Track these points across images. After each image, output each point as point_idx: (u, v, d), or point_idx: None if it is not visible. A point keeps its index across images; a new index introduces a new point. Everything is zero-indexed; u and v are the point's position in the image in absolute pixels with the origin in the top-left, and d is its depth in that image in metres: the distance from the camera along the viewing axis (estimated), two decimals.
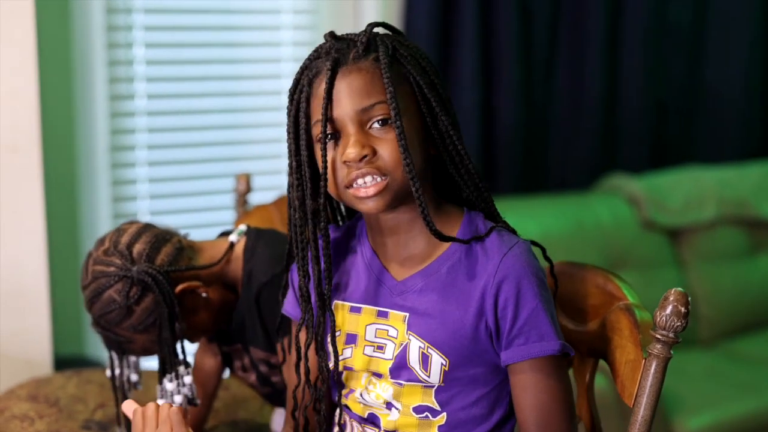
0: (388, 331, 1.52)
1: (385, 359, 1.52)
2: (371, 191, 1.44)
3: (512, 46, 3.57)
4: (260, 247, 1.81)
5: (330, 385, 1.59)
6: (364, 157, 1.43)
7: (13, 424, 2.01)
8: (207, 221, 3.34)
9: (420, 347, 1.49)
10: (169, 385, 1.75)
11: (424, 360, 1.48)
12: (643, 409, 1.48)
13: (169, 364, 1.75)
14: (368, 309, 1.54)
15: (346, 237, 1.61)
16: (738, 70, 4.12)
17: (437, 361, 1.48)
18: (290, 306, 1.64)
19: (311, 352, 1.57)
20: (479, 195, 1.52)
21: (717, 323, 3.63)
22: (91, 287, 1.75)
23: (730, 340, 3.64)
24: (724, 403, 3.18)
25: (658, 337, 1.45)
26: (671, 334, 1.45)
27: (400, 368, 1.50)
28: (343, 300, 1.57)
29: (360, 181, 1.44)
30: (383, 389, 1.53)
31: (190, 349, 1.87)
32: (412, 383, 1.50)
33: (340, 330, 1.56)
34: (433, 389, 1.50)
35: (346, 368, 1.56)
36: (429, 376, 1.49)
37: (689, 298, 1.45)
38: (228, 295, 1.85)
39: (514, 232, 1.52)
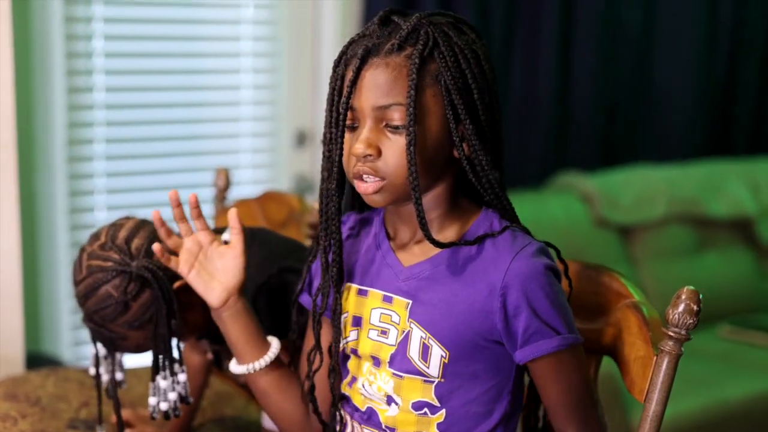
0: (391, 316, 1.51)
1: (389, 344, 1.51)
2: (370, 189, 1.44)
3: None
4: (255, 248, 1.79)
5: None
6: (368, 155, 1.43)
7: None
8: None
9: (421, 337, 1.47)
10: (163, 383, 1.72)
11: (425, 350, 1.47)
12: (655, 404, 1.50)
13: (165, 362, 1.72)
14: (374, 293, 1.54)
15: (369, 218, 1.61)
16: (684, 73, 4.21)
17: (437, 352, 1.47)
18: (304, 296, 1.65)
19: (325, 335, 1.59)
20: (499, 203, 1.50)
21: None
22: (86, 282, 1.72)
23: None
24: (678, 397, 3.20)
25: (671, 334, 1.48)
26: (683, 332, 1.48)
27: (400, 357, 1.49)
28: (352, 282, 1.57)
29: (364, 176, 1.44)
30: (384, 381, 1.52)
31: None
32: (412, 376, 1.49)
33: (347, 312, 1.56)
34: (433, 384, 1.49)
35: (352, 351, 1.56)
36: (428, 368, 1.48)
37: (701, 296, 1.48)
38: None
39: (528, 233, 1.50)
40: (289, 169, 3.58)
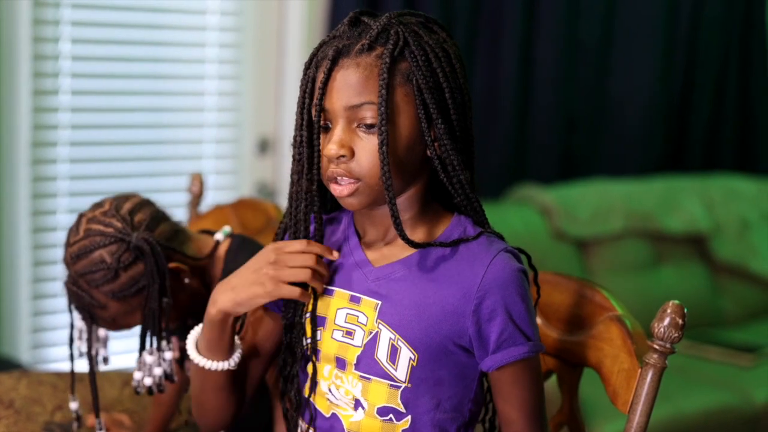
0: (358, 317, 1.50)
1: (355, 346, 1.49)
2: (345, 191, 1.44)
3: None
4: (244, 254, 1.80)
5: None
6: (342, 156, 1.43)
7: None
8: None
9: (390, 338, 1.47)
10: (149, 358, 1.72)
11: (393, 352, 1.47)
12: (639, 416, 1.54)
13: (153, 337, 1.72)
14: (341, 292, 1.52)
15: (336, 218, 1.60)
16: (640, 88, 4.27)
17: (406, 354, 1.46)
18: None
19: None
20: (469, 204, 1.50)
21: None
22: (80, 243, 1.72)
23: None
24: None
25: (656, 347, 1.51)
26: (668, 345, 1.51)
27: (367, 359, 1.48)
28: None
29: (338, 178, 1.44)
30: (352, 384, 1.50)
31: None
32: (379, 379, 1.48)
33: (308, 312, 1.53)
34: (400, 390, 1.48)
35: (314, 352, 1.53)
36: (396, 370, 1.47)
37: (686, 311, 1.51)
38: (201, 290, 1.84)
39: (502, 238, 1.52)
40: (251, 176, 3.58)
